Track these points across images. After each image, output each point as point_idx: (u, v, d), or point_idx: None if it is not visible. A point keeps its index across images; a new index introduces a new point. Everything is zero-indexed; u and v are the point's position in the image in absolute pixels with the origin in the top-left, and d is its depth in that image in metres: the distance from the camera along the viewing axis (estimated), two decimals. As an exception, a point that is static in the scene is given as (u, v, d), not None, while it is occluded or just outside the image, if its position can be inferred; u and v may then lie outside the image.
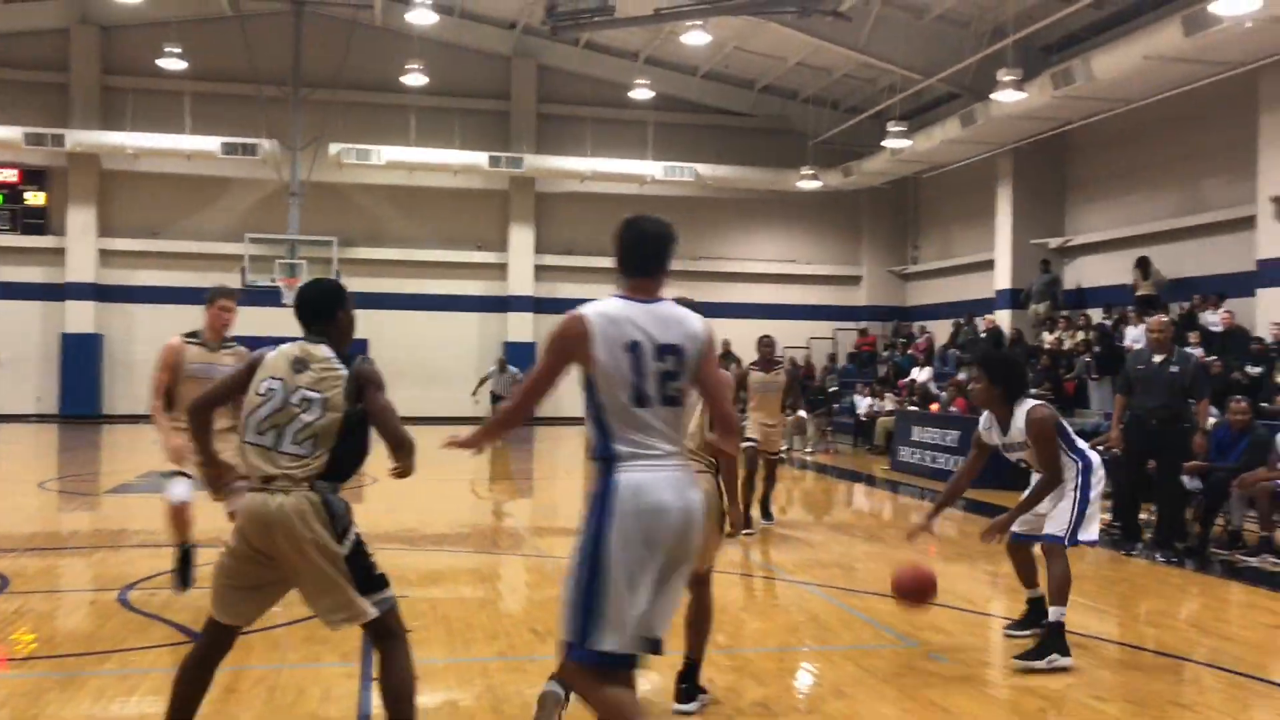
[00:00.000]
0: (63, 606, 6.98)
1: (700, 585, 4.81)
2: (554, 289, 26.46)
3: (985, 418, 6.11)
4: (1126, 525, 9.87)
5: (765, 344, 10.55)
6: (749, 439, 10.20)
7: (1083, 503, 5.83)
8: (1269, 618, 7.28)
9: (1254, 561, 8.91)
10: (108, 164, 24.53)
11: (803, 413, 18.77)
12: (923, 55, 20.47)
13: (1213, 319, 15.85)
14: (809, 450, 19.40)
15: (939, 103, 22.93)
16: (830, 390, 23.43)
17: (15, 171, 24.32)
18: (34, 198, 24.49)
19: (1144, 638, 6.57)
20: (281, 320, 23.35)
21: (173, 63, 22.30)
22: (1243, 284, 16.04)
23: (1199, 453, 9.61)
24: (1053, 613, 5.67)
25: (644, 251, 3.85)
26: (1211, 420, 9.94)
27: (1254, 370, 13.96)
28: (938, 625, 6.41)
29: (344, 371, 3.87)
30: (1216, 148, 17.48)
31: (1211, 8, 13.15)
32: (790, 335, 26.55)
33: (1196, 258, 17.22)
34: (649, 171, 25.40)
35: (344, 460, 3.82)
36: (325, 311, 4.03)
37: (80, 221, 24.40)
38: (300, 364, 3.86)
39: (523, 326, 25.96)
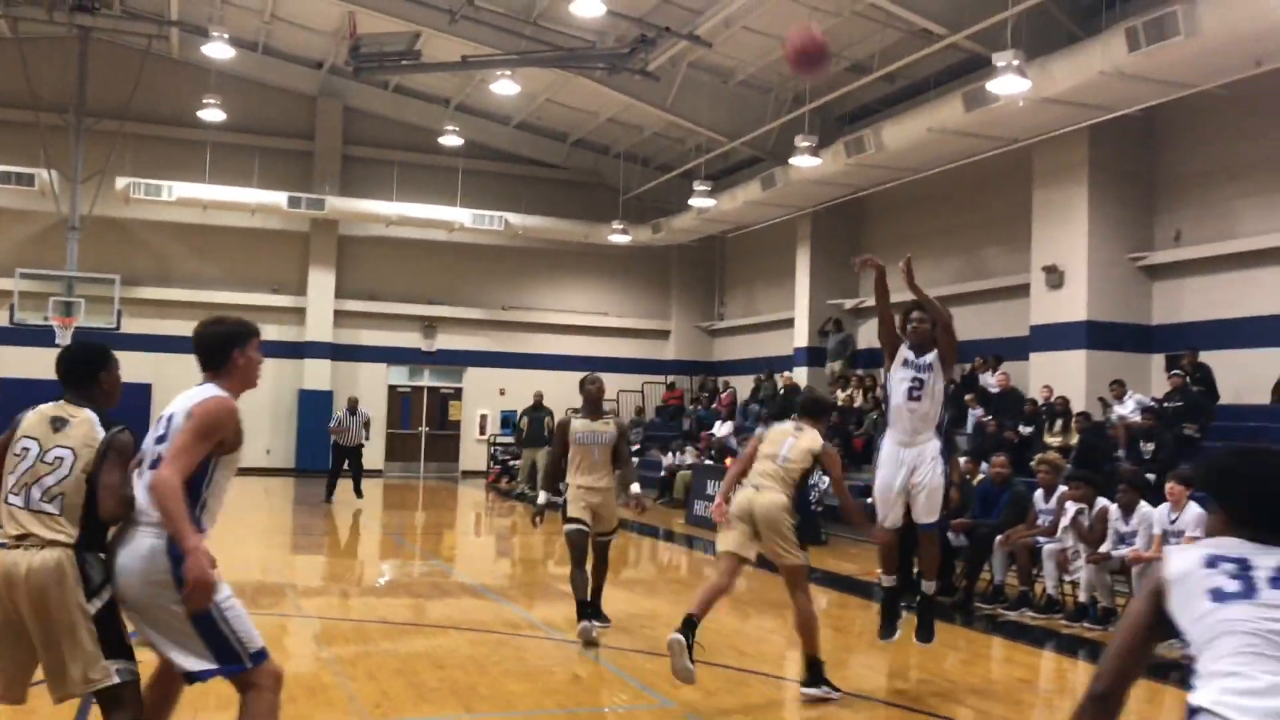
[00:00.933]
0: None
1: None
2: (355, 335, 25.74)
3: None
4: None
5: (593, 385, 8.08)
6: (573, 519, 7.78)
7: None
8: (1022, 671, 7.47)
9: (1013, 615, 9.20)
10: None
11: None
12: (727, 118, 20.97)
13: (990, 380, 16.64)
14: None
15: (743, 165, 23.53)
16: (636, 444, 23.48)
17: None
18: None
19: (907, 692, 6.63)
20: (50, 361, 21.91)
21: (-60, 83, 20.72)
22: (1018, 348, 16.92)
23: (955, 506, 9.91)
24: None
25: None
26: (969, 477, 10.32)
27: (1025, 430, 14.66)
28: (702, 684, 6.28)
29: (101, 435, 3.89)
30: (997, 218, 18.50)
31: (989, 85, 13.89)
32: (611, 384, 26.58)
33: (979, 321, 18.09)
34: (457, 218, 25.07)
35: (97, 521, 3.81)
36: (88, 374, 4.09)
37: None
38: (59, 422, 3.92)
39: (320, 374, 25.08)
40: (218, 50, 20.57)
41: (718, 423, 21.85)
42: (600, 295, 27.88)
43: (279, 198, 23.82)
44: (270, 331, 24.88)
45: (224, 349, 4.00)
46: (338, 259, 25.61)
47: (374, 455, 25.58)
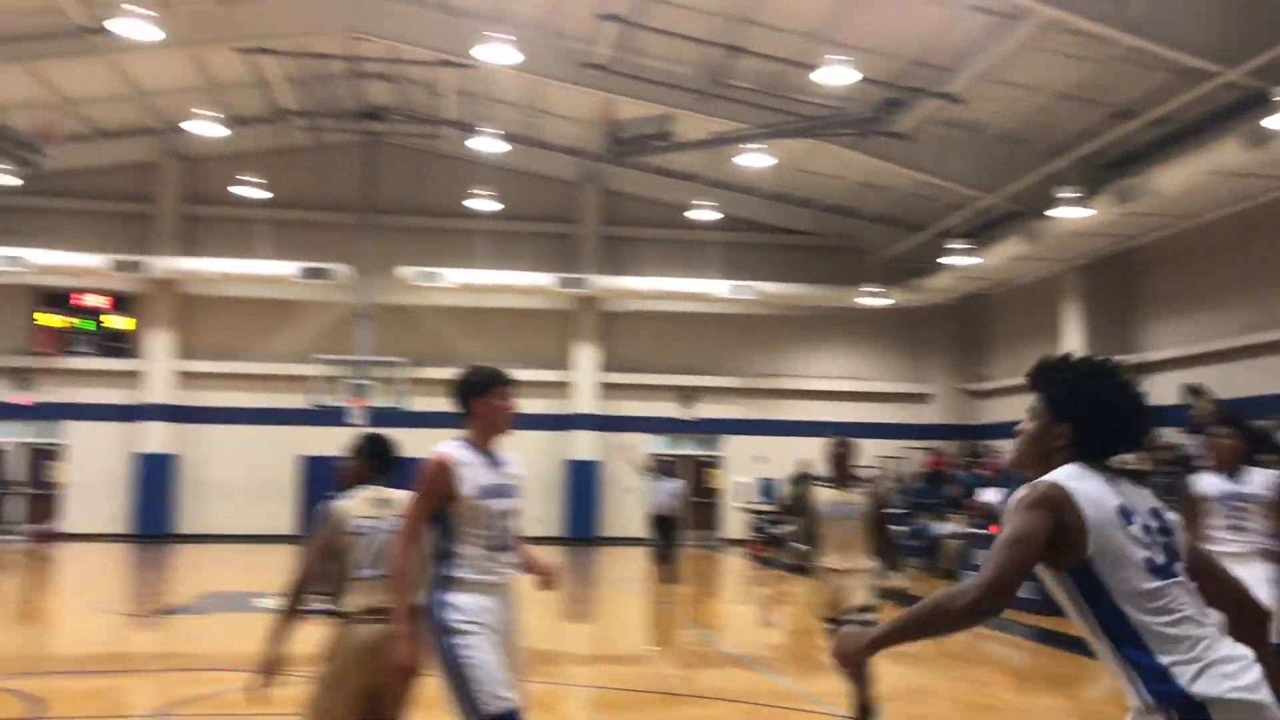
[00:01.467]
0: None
1: None
2: (618, 406, 26.56)
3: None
4: None
5: (840, 448, 6.93)
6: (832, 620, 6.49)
7: None
8: None
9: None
10: (188, 289, 25.44)
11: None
12: (982, 173, 20.52)
13: (1291, 438, 15.24)
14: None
15: (1002, 220, 22.85)
16: (899, 511, 22.93)
17: (105, 298, 25.33)
18: (118, 322, 25.44)
19: None
20: (348, 439, 23.60)
21: (252, 191, 23.25)
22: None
23: None
24: None
25: None
26: None
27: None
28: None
29: None
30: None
31: (1265, 122, 13.01)
32: (861, 454, 26.20)
33: (1271, 376, 16.66)
34: (713, 290, 25.63)
35: None
36: (394, 462, 4.80)
37: (160, 344, 25.22)
38: (384, 504, 4.50)
39: (586, 444, 26.02)
40: (488, 145, 22.10)
41: (985, 488, 21.05)
42: (855, 359, 27.61)
43: (546, 278, 25.14)
44: (538, 405, 26.14)
45: (462, 400, 4.36)
46: (601, 334, 26.64)
47: (639, 524, 26.22)
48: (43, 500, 24.92)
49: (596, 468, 25.80)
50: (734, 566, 21.96)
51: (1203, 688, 2.32)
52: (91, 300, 25.35)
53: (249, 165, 23.48)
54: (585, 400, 26.34)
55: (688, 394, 26.82)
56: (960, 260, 21.48)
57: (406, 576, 4.06)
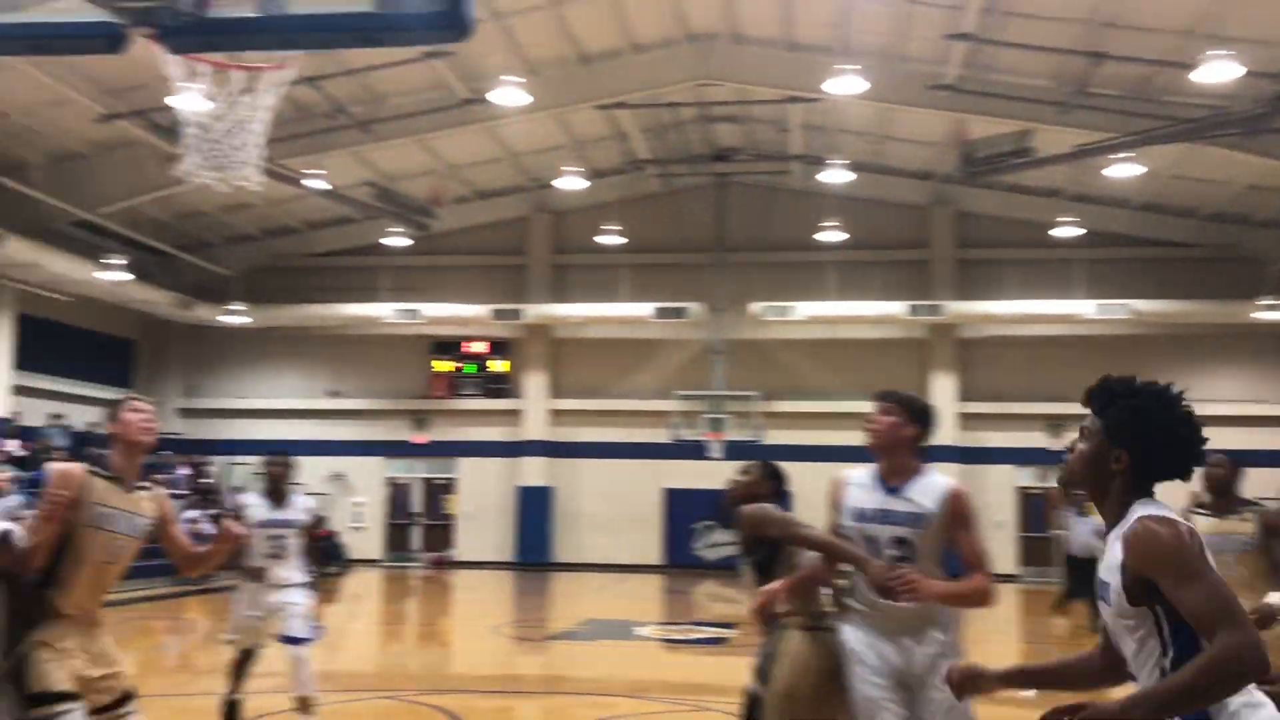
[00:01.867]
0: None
1: None
2: (979, 438, 25.53)
3: None
4: None
5: (1220, 469, 6.09)
6: None
7: None
8: None
9: None
10: (558, 333, 27.21)
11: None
12: (1402, 165, 18.06)
13: None
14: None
15: None
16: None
17: (485, 344, 27.66)
18: (498, 365, 27.65)
19: None
20: (705, 472, 24.40)
21: (611, 239, 24.56)
22: None
23: None
24: None
25: None
26: None
27: None
28: None
29: None
30: None
31: None
32: (1263, 485, 23.69)
33: None
34: (1080, 311, 24.12)
35: None
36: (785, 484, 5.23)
37: (535, 385, 27.11)
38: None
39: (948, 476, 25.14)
40: (836, 176, 22.11)
41: None
42: (1254, 381, 24.98)
43: (899, 307, 24.69)
44: (896, 437, 25.55)
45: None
46: (958, 362, 25.77)
47: (1006, 560, 25.03)
48: (438, 530, 27.43)
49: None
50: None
51: None
52: (476, 347, 27.73)
53: (608, 215, 24.83)
54: (944, 431, 25.51)
55: (1057, 423, 25.33)
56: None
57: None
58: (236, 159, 6.58)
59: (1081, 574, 15.44)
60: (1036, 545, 25.62)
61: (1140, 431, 2.65)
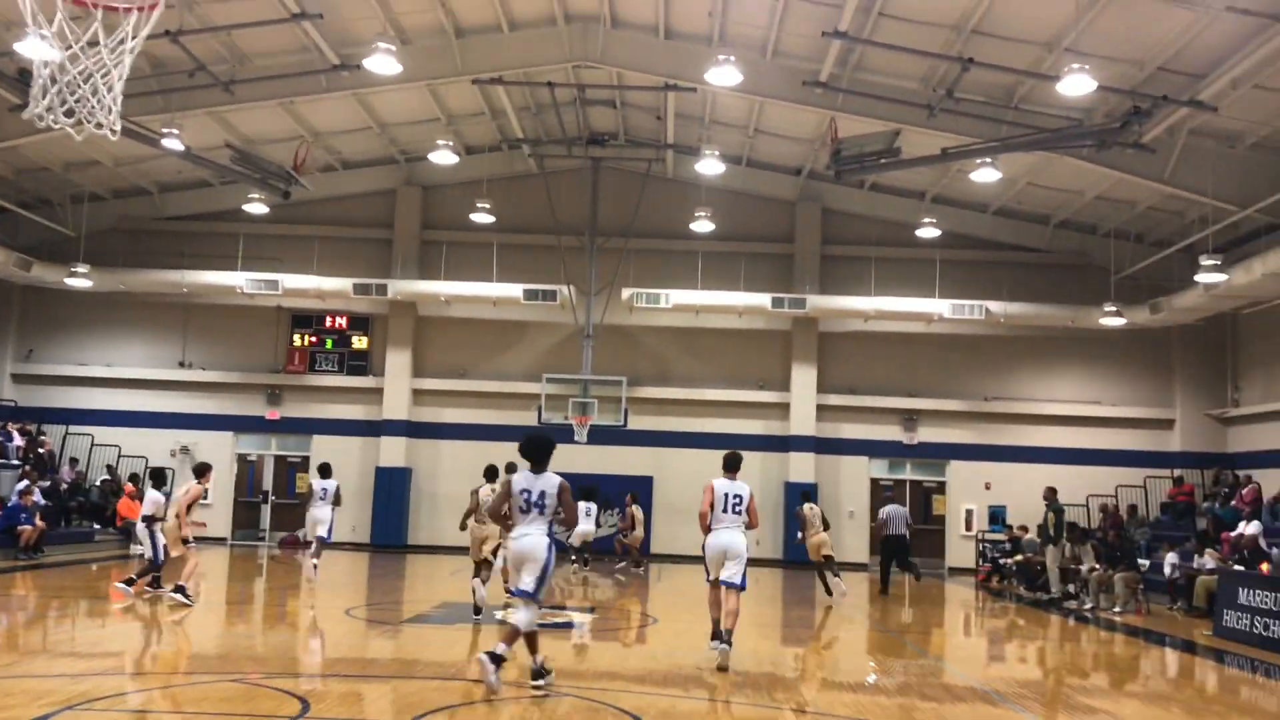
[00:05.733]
0: (355, 734, 7.30)
1: None
2: (836, 429, 26.14)
3: None
4: None
5: None
6: None
7: None
8: None
9: None
10: (423, 311, 26.69)
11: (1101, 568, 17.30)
12: (1237, 185, 19.18)
13: None
14: (1117, 609, 17.82)
15: (1258, 234, 21.24)
16: (1138, 543, 21.60)
17: (345, 318, 26.92)
18: (358, 342, 26.96)
19: None
20: (575, 456, 24.26)
21: (482, 217, 24.20)
22: None
23: None
24: None
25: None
26: None
27: None
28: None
29: None
30: None
31: None
32: (1095, 482, 24.93)
33: None
34: (936, 309, 24.88)
35: None
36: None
37: (397, 363, 26.55)
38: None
39: (804, 466, 25.69)
40: (708, 167, 22.24)
41: (1242, 522, 19.52)
42: (1092, 383, 26.23)
43: (764, 299, 25.04)
44: (756, 426, 26.07)
45: None
46: (819, 355, 26.30)
47: (859, 549, 25.70)
48: (290, 509, 26.63)
49: (816, 490, 25.41)
50: (960, 596, 21.16)
51: None
52: (336, 322, 26.97)
53: (480, 192, 24.44)
54: (804, 422, 26.02)
55: (911, 417, 26.12)
56: (1210, 278, 20.06)
57: None
58: (93, 105, 6.13)
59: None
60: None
61: None
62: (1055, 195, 23.73)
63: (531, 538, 8.35)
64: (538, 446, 8.55)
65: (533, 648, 8.42)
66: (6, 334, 26.51)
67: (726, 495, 10.28)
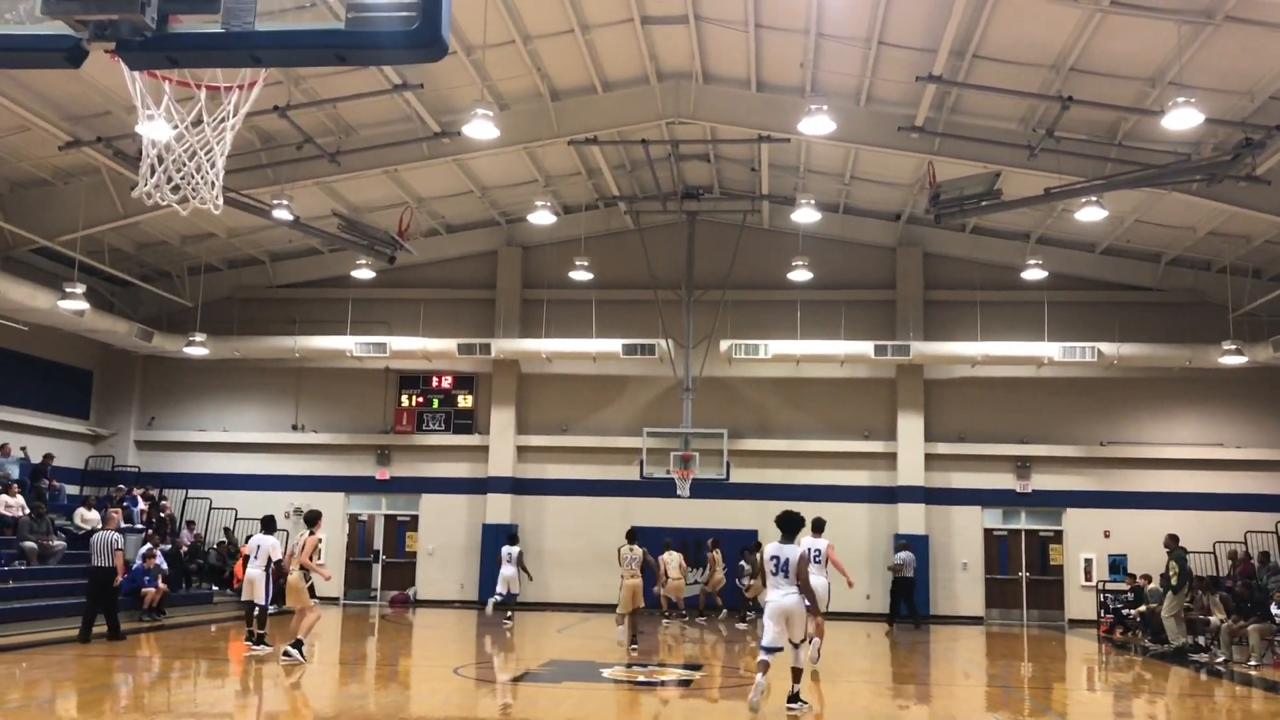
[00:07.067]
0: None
1: None
2: (946, 478, 25.55)
3: None
4: None
5: None
6: None
7: None
8: None
9: None
10: (525, 368, 27.01)
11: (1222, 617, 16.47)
12: (1362, 213, 18.34)
13: None
14: (1253, 662, 16.93)
15: (1387, 263, 20.29)
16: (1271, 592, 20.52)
17: (451, 378, 27.39)
18: (464, 401, 27.38)
19: None
20: (676, 510, 24.19)
21: (581, 274, 24.47)
22: None
23: None
24: None
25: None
26: None
27: None
28: None
29: None
30: None
31: None
32: (1222, 529, 23.91)
33: None
34: (1045, 353, 24.26)
35: None
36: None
37: (501, 420, 26.85)
38: None
39: (914, 517, 25.12)
40: (804, 216, 22.14)
41: (1385, 568, 18.45)
42: (1213, 424, 25.19)
43: (865, 347, 24.73)
44: (862, 477, 25.65)
45: None
46: (925, 403, 25.81)
47: (973, 602, 25.00)
48: (400, 568, 26.99)
49: (927, 542, 24.85)
50: (1082, 650, 20.34)
51: None
52: (442, 382, 27.45)
53: (578, 250, 24.71)
54: (912, 472, 25.50)
55: (1023, 464, 25.41)
56: (1338, 311, 19.19)
57: None
58: (197, 182, 6.40)
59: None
60: (1003, 586, 25.58)
61: None
62: (1165, 232, 23.03)
63: (792, 598, 10.21)
64: (786, 521, 10.56)
65: (796, 679, 10.49)
66: (130, 402, 27.58)
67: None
